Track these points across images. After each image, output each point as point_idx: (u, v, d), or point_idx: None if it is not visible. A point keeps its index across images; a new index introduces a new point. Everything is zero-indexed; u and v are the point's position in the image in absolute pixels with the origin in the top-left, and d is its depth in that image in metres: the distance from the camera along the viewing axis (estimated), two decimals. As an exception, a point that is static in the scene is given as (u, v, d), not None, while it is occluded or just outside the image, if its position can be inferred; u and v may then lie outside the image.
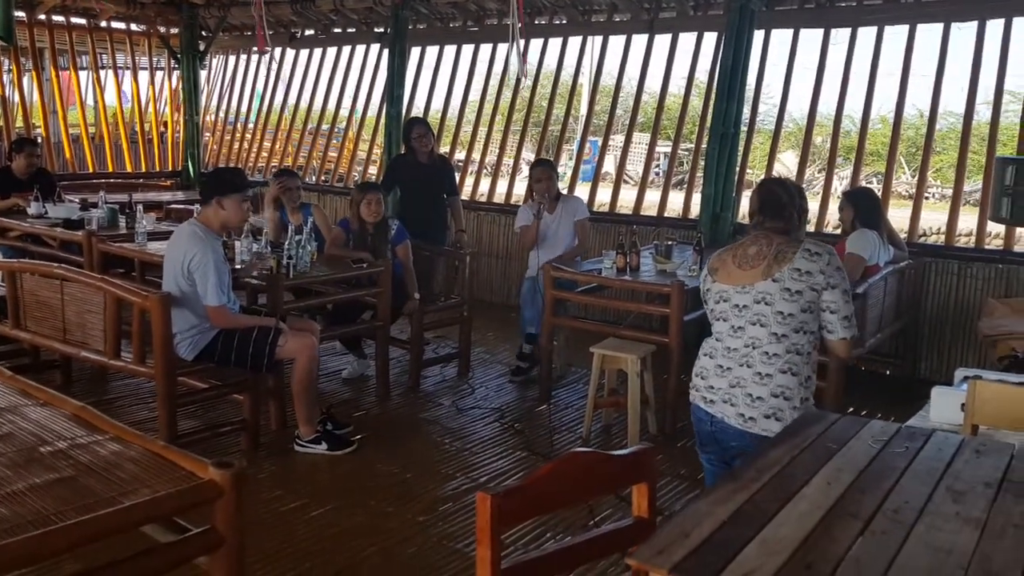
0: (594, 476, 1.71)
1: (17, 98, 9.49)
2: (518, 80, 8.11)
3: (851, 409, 4.56)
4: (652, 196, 8.57)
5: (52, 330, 3.99)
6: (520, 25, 4.80)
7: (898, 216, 6.03)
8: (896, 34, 6.01)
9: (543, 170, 5.38)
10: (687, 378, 4.77)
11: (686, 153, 15.07)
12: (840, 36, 6.21)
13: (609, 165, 13.95)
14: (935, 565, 1.39)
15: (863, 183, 7.76)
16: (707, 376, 2.63)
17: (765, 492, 1.62)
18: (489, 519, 1.50)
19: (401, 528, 3.40)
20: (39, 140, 8.44)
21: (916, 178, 18.36)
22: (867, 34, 6.08)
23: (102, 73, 10.07)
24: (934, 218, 12.79)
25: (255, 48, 9.89)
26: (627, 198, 8.64)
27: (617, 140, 13.61)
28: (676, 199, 8.33)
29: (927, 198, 10.79)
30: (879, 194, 5.28)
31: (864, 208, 4.62)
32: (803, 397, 2.50)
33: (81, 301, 3.85)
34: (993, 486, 1.69)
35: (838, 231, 5.52)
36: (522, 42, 4.93)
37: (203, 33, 9.60)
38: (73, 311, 3.88)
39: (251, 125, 10.22)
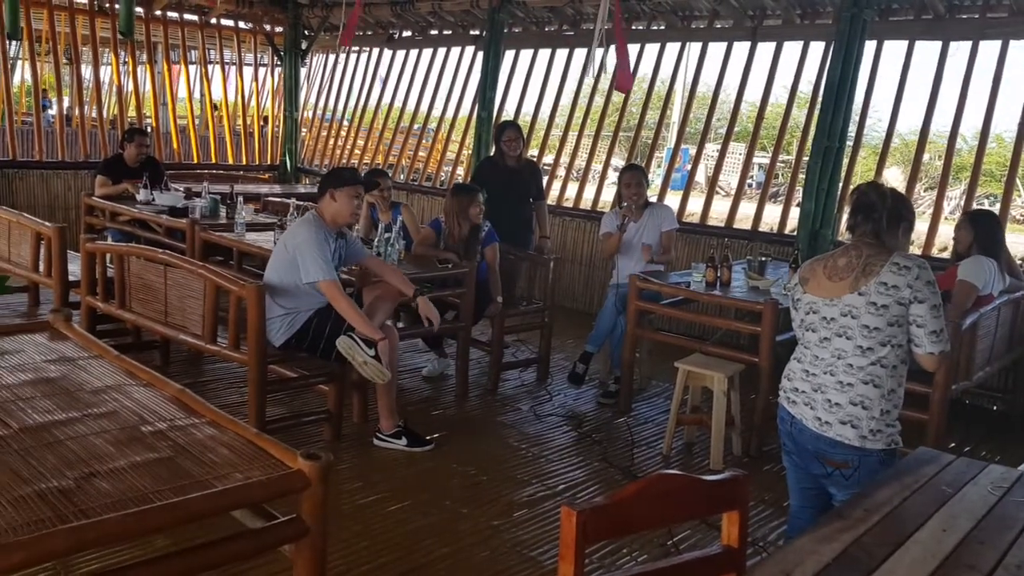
0: (683, 500, 1.66)
1: (131, 89, 9.97)
2: (611, 85, 8.05)
3: (952, 444, 4.33)
4: (746, 209, 8.37)
5: (155, 312, 4.16)
6: (607, 28, 4.71)
7: (1015, 242, 5.68)
8: (1021, 49, 5.69)
9: (633, 175, 5.31)
10: (776, 399, 4.68)
11: (783, 166, 14.67)
12: (958, 49, 5.92)
13: (701, 175, 13.71)
14: (1057, 625, 1.28)
15: (976, 205, 7.38)
16: (793, 378, 2.67)
17: (874, 534, 1.54)
18: (574, 535, 1.47)
19: (475, 531, 3.40)
20: (149, 130, 8.86)
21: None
22: (989, 48, 5.77)
23: (209, 68, 10.50)
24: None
25: (354, 48, 10.15)
26: (719, 209, 8.47)
27: (711, 149, 13.36)
28: (771, 213, 8.10)
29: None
30: (996, 217, 4.98)
31: (985, 233, 4.34)
32: (884, 409, 2.47)
33: (183, 286, 4.00)
34: (1123, 543, 1.55)
35: (944, 253, 5.22)
36: (606, 50, 4.84)
37: (306, 32, 9.89)
38: (175, 295, 4.03)
39: (346, 123, 10.46)
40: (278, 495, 1.93)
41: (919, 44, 6.07)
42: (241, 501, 1.89)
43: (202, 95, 12.08)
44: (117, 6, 6.97)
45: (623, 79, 5.23)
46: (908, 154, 14.84)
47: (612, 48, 5.66)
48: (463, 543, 3.29)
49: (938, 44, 5.97)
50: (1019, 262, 5.11)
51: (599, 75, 7.85)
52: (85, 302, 4.57)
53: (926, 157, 9.19)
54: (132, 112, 10.02)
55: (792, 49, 6.74)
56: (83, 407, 2.26)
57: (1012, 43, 5.66)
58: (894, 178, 16.86)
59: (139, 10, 8.73)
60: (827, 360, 2.52)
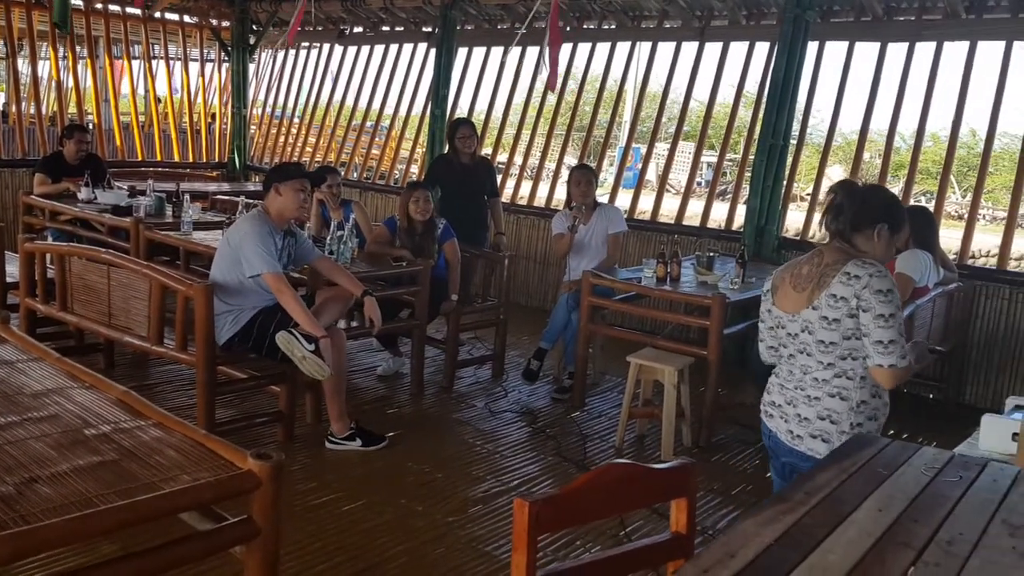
0: (633, 489, 1.69)
1: (71, 84, 9.71)
2: (563, 83, 8.09)
3: (891, 432, 4.47)
4: (695, 206, 8.50)
5: (97, 314, 4.06)
6: (553, 30, 4.75)
7: (948, 236, 5.88)
8: (955, 50, 5.87)
9: (582, 174, 5.35)
10: (725, 392, 4.78)
11: (731, 164, 14.93)
12: (896, 51, 6.10)
13: (652, 173, 13.86)
14: (990, 599, 1.34)
15: (913, 201, 7.61)
16: (771, 391, 2.61)
17: (814, 515, 1.58)
18: (527, 526, 1.48)
19: (430, 528, 3.40)
20: (90, 127, 8.62)
21: (966, 198, 18.06)
22: (925, 49, 5.95)
23: (154, 63, 10.28)
24: (983, 240, 12.51)
25: (304, 44, 10.03)
26: (669, 207, 8.57)
27: (661, 148, 13.52)
28: (719, 210, 8.23)
29: (979, 219, 10.53)
30: (930, 213, 5.15)
31: (919, 227, 4.48)
32: (855, 422, 2.39)
33: (127, 287, 3.91)
34: (1052, 521, 1.62)
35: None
36: (551, 50, 4.88)
37: (254, 27, 9.74)
38: (119, 296, 3.94)
39: (296, 120, 10.33)
40: (228, 496, 1.91)
41: (859, 45, 6.23)
42: (190, 503, 1.86)
43: (146, 91, 11.83)
44: (54, -1, 6.78)
45: (552, 78, 5.28)
46: (849, 152, 15.24)
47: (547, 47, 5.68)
48: (418, 540, 3.29)
49: (876, 45, 6.14)
50: (952, 256, 5.31)
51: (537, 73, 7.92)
52: (24, 304, 4.42)
53: (866, 155, 9.46)
54: (72, 108, 9.76)
55: (738, 49, 6.88)
56: (23, 411, 2.20)
57: (946, 44, 5.85)
58: (836, 175, 17.31)
59: (79, 2, 8.51)
60: (797, 375, 2.47)
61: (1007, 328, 5.26)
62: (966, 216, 5.99)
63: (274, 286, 3.80)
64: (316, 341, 3.75)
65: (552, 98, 8.27)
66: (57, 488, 1.80)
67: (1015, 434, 2.30)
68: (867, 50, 6.21)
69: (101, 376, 2.48)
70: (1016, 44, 5.61)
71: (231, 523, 1.93)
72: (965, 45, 5.78)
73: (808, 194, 12.42)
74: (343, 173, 7.99)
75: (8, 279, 4.71)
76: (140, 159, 9.57)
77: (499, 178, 7.32)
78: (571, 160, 12.05)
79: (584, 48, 7.81)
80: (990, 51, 5.72)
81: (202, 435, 2.13)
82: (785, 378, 2.54)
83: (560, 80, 4.97)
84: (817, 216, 6.99)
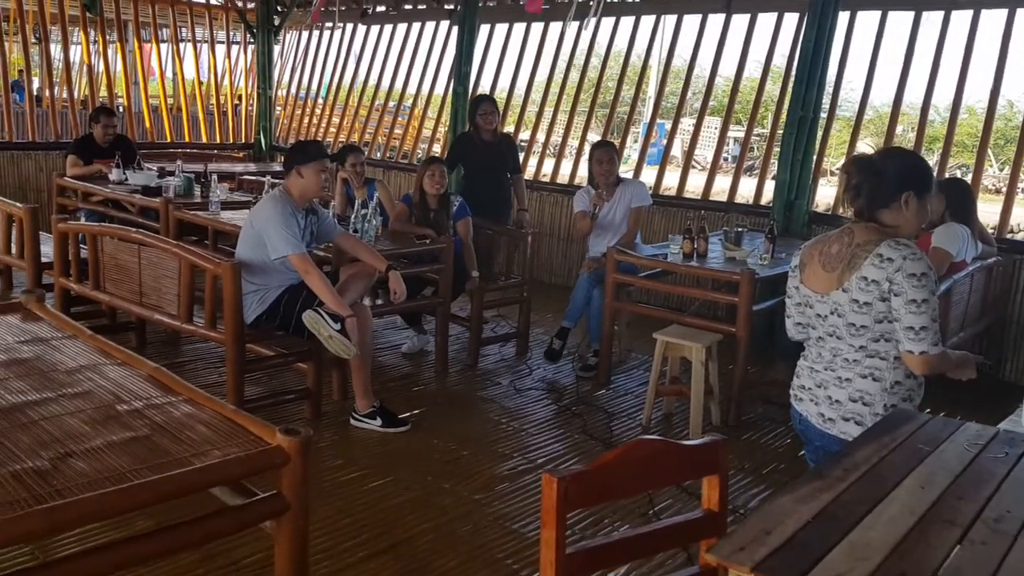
0: (663, 465, 1.67)
1: (102, 68, 9.78)
2: (587, 59, 8.01)
3: (928, 410, 4.42)
4: (722, 183, 8.40)
5: (129, 293, 4.11)
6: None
7: (986, 211, 5.74)
8: (993, 18, 5.69)
9: (604, 151, 5.28)
10: (754, 369, 4.73)
11: (758, 139, 14.73)
12: (931, 19, 5.94)
13: (676, 149, 13.73)
14: (1042, 579, 1.31)
15: (948, 175, 7.45)
16: (800, 375, 2.53)
17: (852, 492, 1.54)
18: (556, 501, 1.48)
19: (457, 505, 3.41)
20: (118, 110, 8.70)
21: (1004, 171, 17.67)
22: (961, 18, 5.78)
23: (181, 46, 10.32)
24: (1021, 213, 12.23)
25: (327, 24, 10.00)
26: (695, 183, 8.48)
27: (686, 124, 13.36)
28: (747, 186, 8.13)
29: (1019, 192, 10.31)
30: (968, 187, 5.03)
31: (957, 201, 4.38)
32: (888, 404, 2.31)
33: (157, 266, 3.95)
34: (1102, 497, 1.58)
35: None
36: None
37: (279, 8, 9.73)
38: (149, 275, 3.99)
39: (320, 100, 10.34)
40: (258, 471, 1.93)
41: (891, 14, 6.08)
42: (220, 478, 1.89)
43: (174, 74, 11.90)
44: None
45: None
46: (881, 126, 14.93)
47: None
48: (445, 518, 3.30)
49: (911, 15, 5.98)
50: (991, 231, 5.19)
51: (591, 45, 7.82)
52: (58, 283, 4.51)
53: (899, 129, 9.30)
54: (104, 92, 9.83)
55: (766, 21, 6.75)
56: (57, 387, 2.23)
57: (984, 12, 5.68)
58: (866, 150, 17.03)
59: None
60: (826, 357, 2.40)
61: (1047, 304, 5.15)
62: (1004, 190, 5.84)
63: (300, 267, 3.82)
64: (342, 320, 3.77)
65: (575, 75, 8.19)
66: (91, 463, 1.82)
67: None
68: (901, 19, 6.06)
69: (133, 353, 2.52)
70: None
71: (261, 498, 1.96)
72: (1003, 13, 5.60)
73: (838, 168, 12.24)
74: (366, 152, 8.00)
75: (43, 259, 4.79)
76: (169, 140, 9.64)
77: (522, 155, 7.28)
78: (594, 136, 11.97)
79: (608, 23, 7.71)
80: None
81: (231, 411, 2.15)
82: (814, 360, 2.46)
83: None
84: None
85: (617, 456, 1.60)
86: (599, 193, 5.17)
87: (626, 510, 3.37)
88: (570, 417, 4.47)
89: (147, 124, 9.74)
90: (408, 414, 4.23)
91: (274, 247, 3.80)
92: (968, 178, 6.71)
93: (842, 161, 7.06)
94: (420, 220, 5.02)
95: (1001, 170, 18.39)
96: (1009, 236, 6.25)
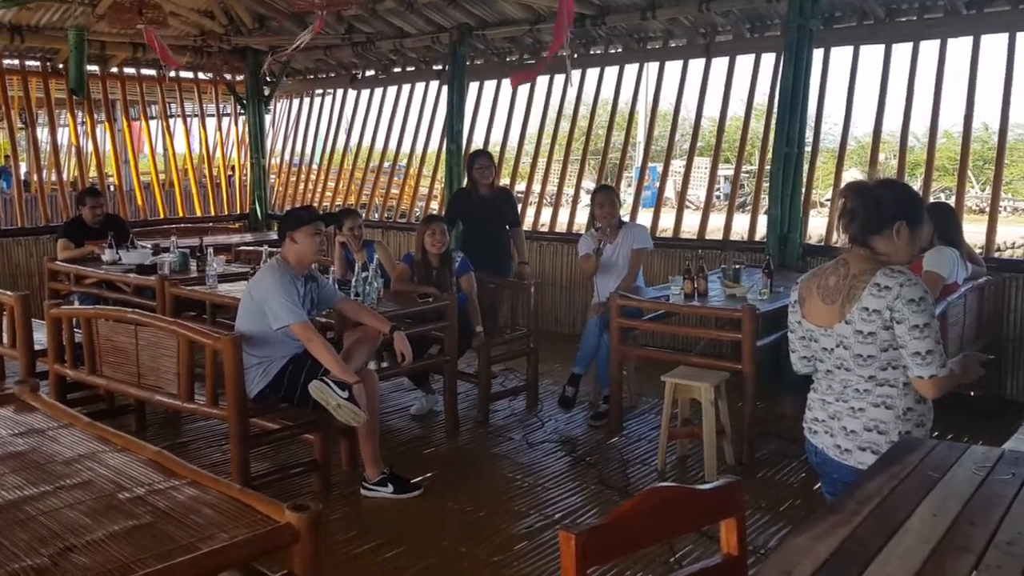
0: (680, 512, 1.63)
1: (91, 148, 9.89)
2: (575, 109, 8.11)
3: (935, 433, 4.36)
4: (716, 220, 8.43)
5: (127, 375, 4.06)
6: (568, 32, 4.70)
7: (973, 231, 5.78)
8: (959, 46, 5.87)
9: (605, 195, 5.33)
10: (763, 405, 4.68)
11: (747, 176, 14.85)
12: (901, 51, 6.08)
13: (670, 191, 13.84)
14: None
15: (932, 199, 7.51)
16: (812, 408, 2.51)
17: (867, 526, 1.53)
18: (575, 559, 1.43)
19: (475, 569, 3.33)
20: (109, 189, 8.76)
21: (985, 191, 17.82)
22: (930, 47, 5.95)
23: (171, 121, 10.46)
24: (1006, 232, 12.30)
25: (318, 91, 10.16)
26: (690, 223, 8.51)
27: (677, 165, 13.48)
28: (740, 222, 8.16)
29: (1001, 211, 10.38)
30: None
31: (942, 224, 4.41)
32: (903, 431, 2.30)
33: (155, 345, 3.91)
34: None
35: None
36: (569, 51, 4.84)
37: (267, 79, 9.89)
38: (147, 355, 3.94)
39: (315, 166, 10.44)
40: (267, 551, 1.87)
41: (864, 48, 6.23)
42: (229, 561, 1.82)
43: (164, 149, 12.04)
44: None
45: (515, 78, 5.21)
46: (864, 156, 15.10)
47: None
48: (463, 583, 3.22)
49: (881, 47, 6.13)
50: (977, 250, 5.21)
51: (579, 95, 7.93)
52: (53, 370, 4.40)
53: (881, 157, 9.40)
54: (93, 172, 9.93)
55: (745, 62, 6.88)
56: (55, 479, 2.18)
57: (950, 41, 5.84)
58: (853, 179, 17.26)
59: (94, 68, 8.68)
60: (837, 389, 2.39)
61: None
62: (987, 209, 5.89)
63: (302, 335, 3.78)
64: (349, 387, 3.72)
65: (566, 124, 8.29)
66: (93, 556, 1.77)
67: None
68: (873, 53, 6.21)
69: (132, 438, 2.46)
70: (1019, 35, 5.58)
71: (272, 579, 1.89)
72: (969, 40, 5.77)
73: (827, 199, 12.28)
74: (364, 214, 8.03)
75: (37, 346, 4.71)
76: (162, 217, 9.70)
77: (519, 207, 7.32)
78: (588, 184, 12.04)
79: (592, 73, 7.83)
80: (995, 45, 5.70)
81: (237, 490, 2.10)
82: (824, 392, 2.45)
83: (565, 43, 4.86)
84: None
85: (632, 507, 1.55)
86: (603, 229, 5.18)
87: (647, 560, 3.29)
88: (585, 468, 4.39)
89: (139, 202, 9.80)
90: (420, 478, 4.16)
91: (275, 316, 3.77)
92: (951, 200, 6.76)
93: (830, 192, 7.08)
94: (423, 279, 5.01)
95: (983, 190, 18.53)
96: (996, 255, 6.28)
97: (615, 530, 1.54)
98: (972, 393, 5.28)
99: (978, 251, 5.25)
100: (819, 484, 4.04)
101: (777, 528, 3.65)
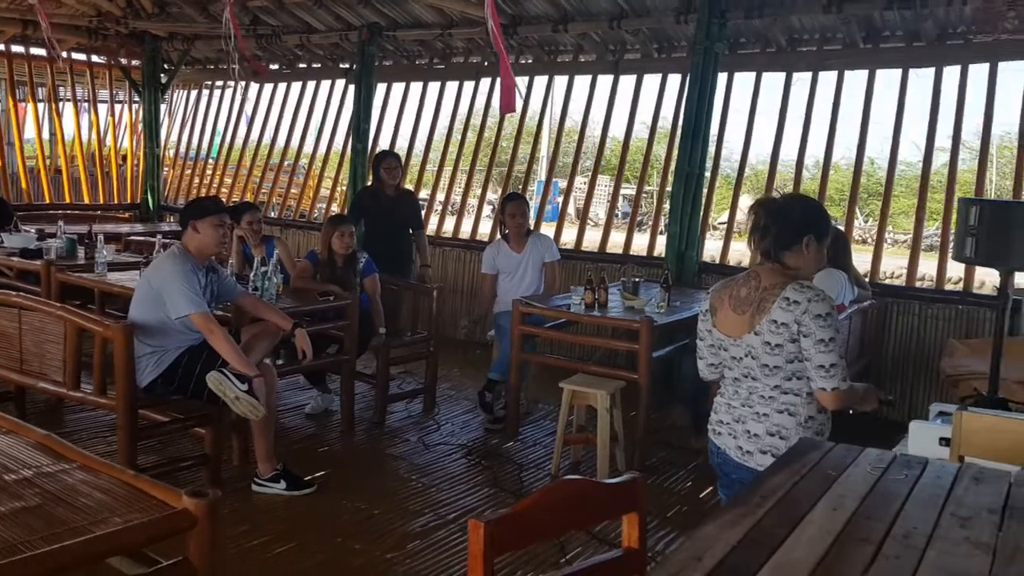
0: (585, 504, 1.69)
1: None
2: (483, 119, 8.20)
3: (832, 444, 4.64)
4: (616, 238, 8.66)
5: (8, 360, 3.85)
6: (502, 55, 4.79)
7: (856, 260, 6.17)
8: (856, 79, 6.19)
9: (516, 205, 5.40)
10: (656, 415, 4.84)
11: (646, 196, 15.33)
12: (801, 81, 6.40)
13: (571, 207, 14.13)
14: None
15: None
16: (718, 411, 2.60)
17: (771, 517, 1.61)
18: (483, 546, 1.47)
19: (368, 566, 3.32)
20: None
21: (867, 223, 19.01)
22: (827, 79, 6.27)
23: (60, 104, 9.93)
24: (887, 263, 13.15)
25: (218, 82, 9.88)
26: (591, 239, 8.71)
27: (579, 182, 13.79)
28: (640, 241, 8.42)
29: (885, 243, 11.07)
30: (840, 236, 5.38)
31: (835, 248, 4.68)
32: (803, 437, 2.38)
33: (39, 331, 3.73)
34: (997, 512, 1.70)
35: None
36: (503, 73, 4.91)
37: (165, 66, 9.54)
38: (31, 341, 3.75)
39: (211, 159, 10.13)
40: (164, 536, 1.83)
41: (765, 75, 6.53)
42: (123, 545, 1.78)
43: (52, 133, 11.41)
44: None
45: (507, 101, 5.36)
46: (758, 183, 15.83)
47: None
48: (357, 580, 3.21)
49: (783, 75, 6.45)
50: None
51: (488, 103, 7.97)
52: (-74, 354, 4.15)
53: (776, 184, 9.90)
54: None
55: (652, 81, 7.11)
56: (-66, 460, 2.07)
57: (847, 73, 6.18)
58: (744, 205, 17.96)
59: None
60: (743, 395, 2.47)
61: (918, 342, 5.52)
62: (869, 240, 6.31)
63: (203, 326, 3.68)
64: (249, 381, 3.65)
65: (473, 133, 8.35)
66: (-23, 537, 1.69)
67: (942, 438, 2.40)
68: (774, 80, 6.51)
69: (18, 420, 2.36)
70: (911, 72, 5.95)
71: (168, 565, 1.85)
72: (864, 74, 6.11)
73: (720, 223, 12.81)
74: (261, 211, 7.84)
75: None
76: (48, 202, 9.18)
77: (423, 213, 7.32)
78: (492, 196, 12.16)
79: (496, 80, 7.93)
80: (888, 80, 6.07)
81: (130, 475, 2.05)
82: (731, 397, 2.53)
83: (514, 102, 4.96)
84: (734, 243, 7.25)
85: (541, 497, 1.61)
86: (516, 233, 5.27)
87: (538, 560, 3.35)
88: (480, 470, 4.44)
89: (24, 185, 9.26)
90: (314, 476, 4.10)
91: (175, 306, 3.65)
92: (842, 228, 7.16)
93: (724, 215, 7.38)
94: (326, 278, 4.95)
95: (866, 222, 19.74)
96: (879, 281, 6.71)
97: (523, 520, 1.58)
98: (851, 412, 5.60)
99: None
100: (706, 492, 4.29)
101: (664, 532, 3.79)
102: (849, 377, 2.38)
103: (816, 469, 1.89)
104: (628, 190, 15.63)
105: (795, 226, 2.38)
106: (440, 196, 8.76)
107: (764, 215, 2.42)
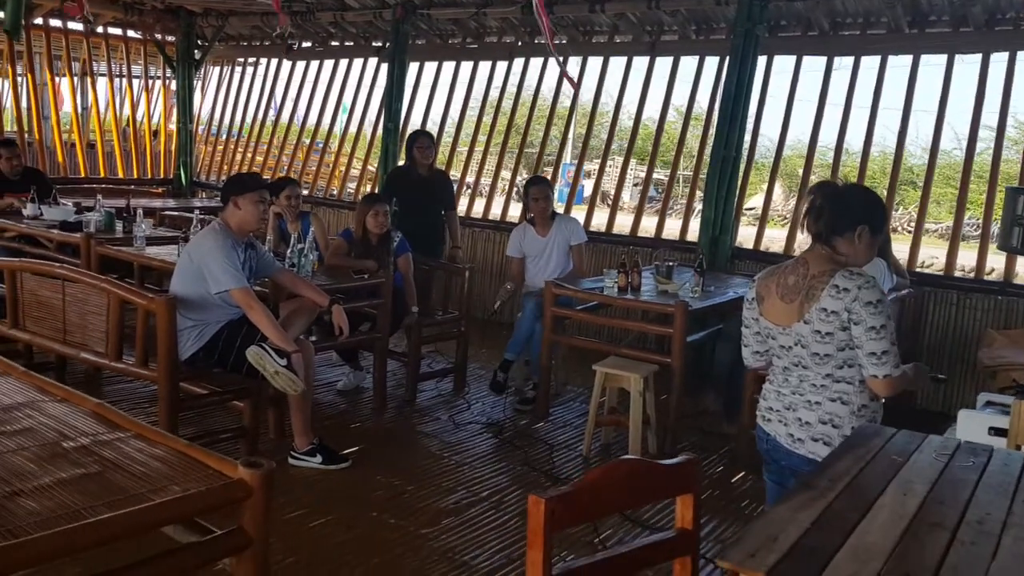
0: (643, 484, 1.70)
1: (10, 103, 9.38)
2: (516, 99, 8.16)
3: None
4: (647, 223, 8.62)
5: (52, 331, 3.91)
6: (551, 42, 4.78)
7: (895, 250, 6.10)
8: (900, 65, 6.06)
9: (540, 188, 5.40)
10: (688, 400, 4.84)
11: (678, 183, 15.21)
12: (843, 64, 6.29)
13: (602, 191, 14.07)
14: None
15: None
16: (767, 397, 2.58)
17: (842, 501, 1.61)
18: (543, 522, 1.48)
19: (403, 540, 3.36)
20: (28, 144, 8.32)
21: (900, 212, 18.77)
22: (870, 63, 6.15)
23: (96, 80, 10.00)
24: (925, 252, 12.99)
25: (251, 59, 9.90)
26: (622, 223, 8.68)
27: (608, 166, 13.71)
28: (671, 226, 8.38)
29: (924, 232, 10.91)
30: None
31: None
32: (856, 426, 2.38)
33: (82, 302, 3.78)
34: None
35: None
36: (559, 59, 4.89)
37: (199, 42, 9.58)
38: (74, 312, 3.81)
39: (244, 137, 10.17)
40: (221, 505, 1.85)
41: (806, 59, 6.41)
42: (184, 512, 1.80)
43: (85, 108, 11.50)
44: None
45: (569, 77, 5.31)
46: (787, 169, 15.62)
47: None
48: (391, 553, 3.25)
49: (823, 59, 6.34)
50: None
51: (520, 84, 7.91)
52: (-28, 323, 4.23)
53: (800, 171, 9.78)
54: (12, 127, 9.40)
55: (688, 64, 7.04)
56: (-5, 425, 2.11)
57: (891, 59, 6.05)
58: (776, 192, 17.82)
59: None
60: (793, 383, 2.46)
61: (955, 333, 5.45)
62: (900, 229, 6.22)
63: (243, 302, 3.72)
64: (288, 356, 3.68)
65: (504, 117, 8.30)
66: (42, 501, 1.72)
67: (992, 428, 2.38)
68: (815, 64, 6.41)
69: (72, 389, 2.40)
70: (957, 58, 5.82)
71: (223, 533, 1.88)
72: (909, 59, 5.97)
73: (748, 208, 12.66)
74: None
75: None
76: (83, 176, 9.28)
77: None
78: (521, 177, 12.11)
79: (536, 63, 7.89)
80: (931, 68, 5.96)
81: (185, 444, 2.07)
82: (780, 384, 2.51)
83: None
84: (768, 230, 7.17)
85: (599, 476, 1.61)
86: (540, 217, 5.26)
87: (572, 540, 3.37)
88: (511, 450, 4.46)
89: (60, 159, 9.36)
90: (348, 451, 4.14)
91: (216, 281, 3.69)
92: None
93: (752, 201, 7.28)
94: (360, 256, 4.98)
95: (896, 211, 19.50)
96: (918, 270, 6.62)
97: (582, 497, 1.59)
98: (884, 401, 5.57)
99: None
100: (737, 477, 4.28)
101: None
102: (900, 364, 2.35)
103: (881, 455, 1.89)
104: (659, 176, 15.54)
105: (851, 213, 2.36)
106: (470, 178, 8.74)
107: (822, 197, 2.40)
